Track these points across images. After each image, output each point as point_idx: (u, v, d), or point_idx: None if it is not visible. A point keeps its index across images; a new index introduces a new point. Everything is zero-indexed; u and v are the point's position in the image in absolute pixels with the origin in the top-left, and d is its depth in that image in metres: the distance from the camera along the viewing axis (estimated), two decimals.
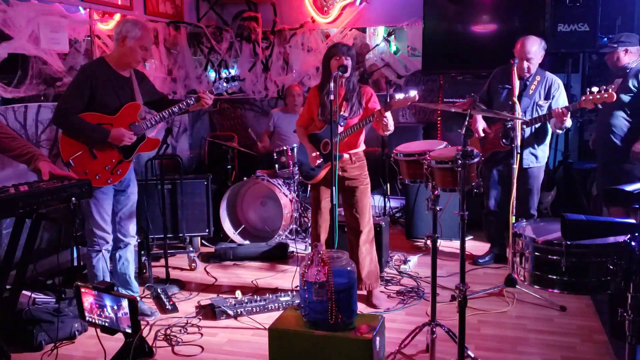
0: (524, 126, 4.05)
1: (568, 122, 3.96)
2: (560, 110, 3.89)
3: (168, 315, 3.74)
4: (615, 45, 4.15)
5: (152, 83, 3.82)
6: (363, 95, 3.68)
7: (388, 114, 3.43)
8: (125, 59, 3.45)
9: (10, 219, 3.29)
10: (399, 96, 3.32)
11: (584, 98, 3.79)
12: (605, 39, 4.93)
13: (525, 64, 4.05)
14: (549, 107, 4.09)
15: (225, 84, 3.88)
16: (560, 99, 4.13)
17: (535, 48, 4.02)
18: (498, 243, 4.57)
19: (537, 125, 4.16)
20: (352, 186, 3.75)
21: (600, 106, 3.84)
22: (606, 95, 3.69)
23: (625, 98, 4.12)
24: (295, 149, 5.14)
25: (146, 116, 3.60)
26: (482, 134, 4.26)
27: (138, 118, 3.54)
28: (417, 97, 3.28)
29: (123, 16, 5.16)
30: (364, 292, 3.86)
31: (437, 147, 3.25)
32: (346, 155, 3.69)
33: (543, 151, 4.26)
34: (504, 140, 4.12)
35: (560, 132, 4.20)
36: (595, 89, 3.74)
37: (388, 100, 3.58)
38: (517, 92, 3.85)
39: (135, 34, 3.39)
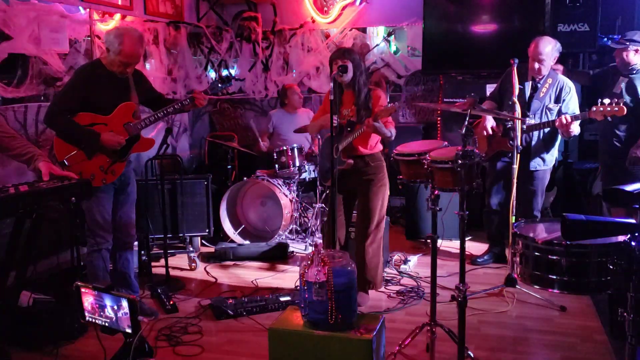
0: (523, 127, 4.02)
1: (576, 130, 3.87)
2: (564, 121, 3.80)
3: (168, 315, 3.74)
4: (627, 44, 4.07)
5: (149, 82, 3.81)
6: (372, 99, 3.64)
7: (379, 124, 3.43)
8: (111, 68, 3.43)
9: (10, 219, 3.28)
10: (383, 107, 3.42)
11: (594, 109, 3.71)
12: (606, 38, 4.91)
13: (536, 64, 4.00)
14: (559, 111, 4.03)
15: (220, 85, 3.87)
16: (571, 103, 4.04)
17: (548, 49, 3.96)
18: (498, 242, 4.57)
19: (546, 130, 4.09)
20: (366, 186, 3.72)
21: (610, 118, 3.73)
22: (617, 109, 3.64)
23: (630, 101, 4.08)
24: (296, 149, 5.15)
25: (141, 116, 3.60)
26: (490, 132, 4.19)
27: (132, 118, 3.52)
28: (395, 108, 3.34)
29: (123, 16, 5.16)
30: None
31: (437, 147, 3.25)
32: (350, 161, 3.66)
33: (552, 155, 4.22)
34: (510, 142, 4.07)
35: (567, 138, 4.12)
36: (606, 101, 3.67)
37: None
38: (517, 91, 3.80)
39: (115, 48, 3.32)
